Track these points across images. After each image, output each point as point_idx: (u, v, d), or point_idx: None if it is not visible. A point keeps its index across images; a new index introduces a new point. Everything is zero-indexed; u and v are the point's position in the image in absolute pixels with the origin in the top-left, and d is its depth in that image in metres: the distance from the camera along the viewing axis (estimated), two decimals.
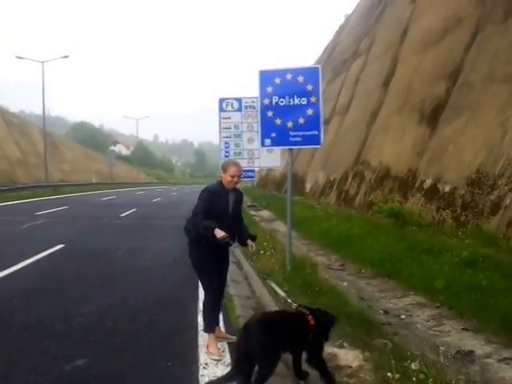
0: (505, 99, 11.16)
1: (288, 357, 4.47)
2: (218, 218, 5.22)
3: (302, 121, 8.78)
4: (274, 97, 8.90)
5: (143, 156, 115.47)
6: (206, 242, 5.24)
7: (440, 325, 6.37)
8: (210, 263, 5.45)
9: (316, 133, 8.79)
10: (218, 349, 5.20)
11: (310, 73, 8.93)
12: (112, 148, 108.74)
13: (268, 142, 9.09)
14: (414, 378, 4.05)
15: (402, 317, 6.76)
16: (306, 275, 8.51)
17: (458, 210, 11.41)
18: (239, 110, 24.76)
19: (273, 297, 7.19)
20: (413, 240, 10.61)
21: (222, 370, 4.71)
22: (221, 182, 5.57)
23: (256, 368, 4.03)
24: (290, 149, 9.32)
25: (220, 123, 24.99)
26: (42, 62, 46.59)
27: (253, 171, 27.22)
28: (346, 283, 8.63)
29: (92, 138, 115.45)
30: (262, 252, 10.47)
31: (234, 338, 5.17)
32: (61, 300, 7.35)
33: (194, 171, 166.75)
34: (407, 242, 10.56)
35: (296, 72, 8.85)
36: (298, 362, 4.42)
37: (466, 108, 12.93)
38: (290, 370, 4.67)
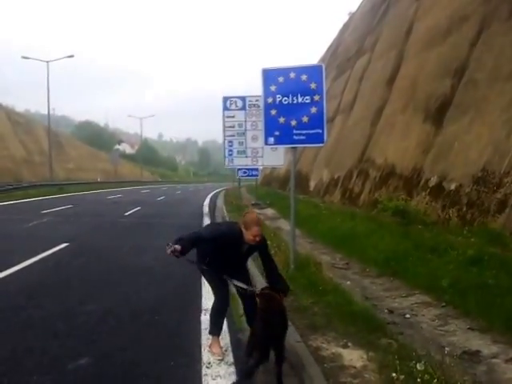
0: (510, 97, 11.10)
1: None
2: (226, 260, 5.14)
3: (305, 119, 8.73)
4: (277, 95, 8.87)
5: (147, 154, 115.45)
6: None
7: (445, 324, 6.31)
8: (215, 271, 5.25)
9: (320, 131, 8.75)
10: (221, 348, 5.17)
11: (314, 71, 8.88)
12: (117, 147, 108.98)
13: (271, 140, 9.06)
14: (418, 379, 3.99)
15: (407, 316, 6.71)
16: (310, 274, 8.49)
17: (464, 208, 11.35)
18: (243, 108, 24.81)
19: None
20: (418, 238, 10.56)
21: (225, 369, 4.71)
22: (241, 232, 5.02)
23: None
24: (294, 147, 9.27)
25: (224, 122, 25.04)
26: (47, 62, 46.48)
27: (256, 169, 27.28)
28: (349, 282, 8.58)
29: (97, 137, 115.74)
30: None
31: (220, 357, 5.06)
32: (64, 298, 7.34)
33: (198, 170, 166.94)
34: (412, 240, 10.51)
35: (299, 70, 8.81)
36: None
37: (471, 106, 12.87)
38: (293, 371, 4.67)
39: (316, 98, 8.66)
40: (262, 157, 25.25)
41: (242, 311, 5.68)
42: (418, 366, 4.26)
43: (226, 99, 25.05)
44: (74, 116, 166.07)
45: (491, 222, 10.03)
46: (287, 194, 32.20)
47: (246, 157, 25.36)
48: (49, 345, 5.34)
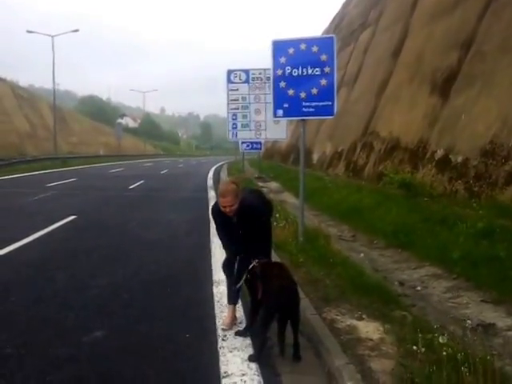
0: None
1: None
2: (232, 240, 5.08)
3: (315, 91, 8.62)
4: (287, 67, 8.74)
5: (150, 128, 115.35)
6: None
7: (458, 297, 6.26)
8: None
9: (330, 103, 8.64)
10: (233, 319, 5.17)
11: (325, 42, 8.75)
12: (119, 120, 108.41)
13: (280, 112, 8.96)
14: (444, 352, 3.93)
15: (418, 288, 6.68)
16: (319, 246, 8.47)
17: (471, 181, 11.29)
18: (247, 81, 24.70)
19: None
20: (426, 211, 10.51)
21: (240, 341, 4.70)
22: None
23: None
24: (303, 119, 9.18)
25: (228, 95, 24.94)
26: (52, 37, 46.04)
27: (259, 143, 27.19)
28: (362, 254, 8.56)
29: (100, 111, 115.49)
30: (274, 223, 10.41)
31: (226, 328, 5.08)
32: (75, 272, 7.34)
33: (200, 143, 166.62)
34: (420, 212, 10.47)
35: (310, 42, 8.67)
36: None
37: (478, 78, 12.72)
38: (310, 343, 4.67)
39: (326, 69, 8.54)
40: (265, 130, 25.16)
41: None
42: (441, 339, 4.21)
43: (230, 72, 24.91)
44: (77, 91, 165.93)
45: (499, 194, 9.96)
46: (290, 167, 32.31)
47: (250, 130, 25.27)
48: (63, 317, 5.33)
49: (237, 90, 24.89)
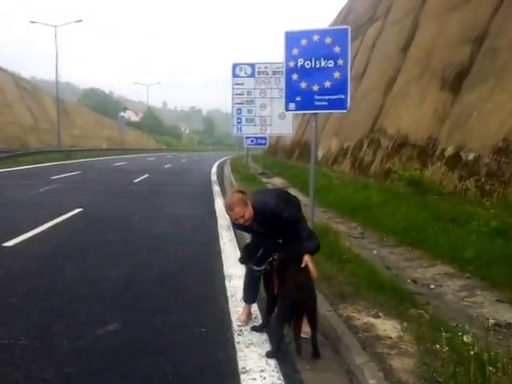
0: None
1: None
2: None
3: (328, 84, 8.48)
4: (299, 59, 8.57)
5: (152, 123, 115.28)
6: None
7: (472, 296, 6.16)
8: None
9: (343, 97, 8.50)
10: (249, 315, 5.07)
11: (339, 34, 8.57)
12: (122, 114, 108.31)
13: (292, 106, 8.83)
14: (471, 352, 3.77)
15: (432, 287, 6.58)
16: (329, 243, 8.36)
17: (483, 179, 11.17)
18: (252, 75, 24.51)
19: None
20: (436, 209, 10.41)
21: (257, 336, 4.61)
22: None
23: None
24: (315, 113, 9.06)
25: (233, 89, 24.76)
26: (55, 27, 45.80)
27: (265, 138, 27.05)
28: (375, 252, 8.45)
29: (102, 105, 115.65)
30: None
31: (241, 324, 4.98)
32: (85, 264, 7.25)
33: (203, 139, 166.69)
34: (431, 210, 10.36)
35: (323, 33, 8.53)
36: None
37: (491, 74, 12.58)
38: (328, 340, 4.58)
39: (340, 62, 8.39)
40: (270, 125, 25.02)
41: None
42: (465, 338, 4.11)
43: (235, 66, 24.72)
44: (79, 83, 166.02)
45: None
46: (294, 163, 32.22)
47: (255, 125, 25.11)
48: (76, 310, 5.24)
49: (242, 84, 24.71)
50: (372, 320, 5.04)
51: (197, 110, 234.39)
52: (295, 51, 8.60)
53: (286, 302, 4.34)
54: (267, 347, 4.38)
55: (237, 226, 4.91)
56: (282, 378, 3.87)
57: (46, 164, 31.76)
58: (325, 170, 23.88)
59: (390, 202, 12.00)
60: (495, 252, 7.17)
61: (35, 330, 4.68)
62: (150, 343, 4.44)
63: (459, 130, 13.14)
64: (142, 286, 6.21)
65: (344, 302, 5.56)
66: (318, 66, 8.49)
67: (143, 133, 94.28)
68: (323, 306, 5.21)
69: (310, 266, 4.42)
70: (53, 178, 21.41)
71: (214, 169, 32.96)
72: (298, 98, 8.71)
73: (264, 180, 22.66)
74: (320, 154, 28.64)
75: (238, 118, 25.17)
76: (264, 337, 4.61)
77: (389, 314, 5.17)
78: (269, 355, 4.20)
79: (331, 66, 8.42)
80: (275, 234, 4.70)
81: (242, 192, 4.59)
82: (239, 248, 8.34)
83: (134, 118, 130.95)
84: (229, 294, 5.85)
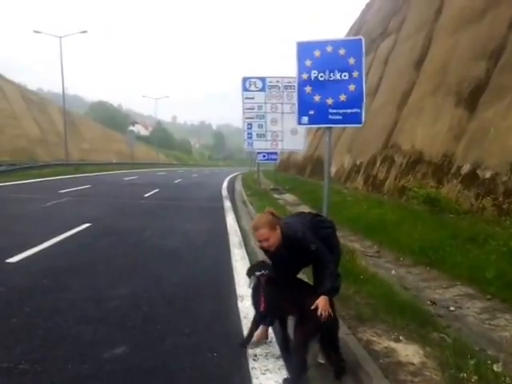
0: None
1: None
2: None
3: (342, 98, 8.30)
4: (312, 71, 8.39)
5: (162, 137, 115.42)
6: None
7: (494, 318, 5.89)
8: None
9: (358, 111, 8.33)
10: (266, 334, 4.83)
11: (353, 45, 8.40)
12: (131, 128, 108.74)
13: (305, 119, 8.63)
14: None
15: (452, 309, 6.30)
16: (344, 262, 8.10)
17: (500, 198, 10.93)
18: (263, 89, 24.48)
19: None
20: (453, 227, 10.16)
21: (272, 362, 4.36)
22: None
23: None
24: (329, 127, 8.84)
25: (243, 103, 24.67)
26: (60, 37, 45.76)
27: (276, 153, 27.04)
28: (393, 272, 8.17)
29: (111, 118, 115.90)
30: None
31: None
32: (92, 281, 7.01)
33: (213, 153, 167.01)
34: (448, 229, 10.10)
35: (337, 44, 8.34)
36: None
37: (508, 90, 12.37)
38: (347, 366, 4.33)
39: (355, 74, 8.21)
40: (281, 140, 24.97)
41: None
42: (495, 368, 3.84)
43: (245, 80, 24.68)
44: (86, 96, 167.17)
45: None
46: (306, 179, 32.02)
47: (266, 140, 25.08)
48: (81, 331, 4.99)
49: (252, 98, 24.67)
50: (393, 344, 4.79)
51: (207, 124, 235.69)
52: (308, 63, 8.43)
53: (310, 325, 4.10)
54: (284, 374, 4.13)
55: (263, 249, 4.53)
56: None
57: (54, 177, 31.69)
58: (338, 186, 23.64)
59: (406, 220, 11.74)
60: None
61: (37, 352, 4.43)
62: (159, 368, 4.19)
63: (476, 147, 12.91)
64: (152, 305, 5.95)
65: (363, 324, 5.31)
66: (332, 79, 8.34)
67: (153, 147, 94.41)
68: (341, 329, 4.96)
69: (321, 308, 4.09)
70: (62, 191, 21.28)
71: (225, 184, 32.81)
72: (312, 112, 8.53)
73: (276, 196, 22.44)
74: (333, 170, 28.41)
75: (248, 133, 25.14)
76: (280, 363, 4.36)
77: (410, 338, 4.93)
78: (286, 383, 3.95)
79: (346, 78, 8.26)
80: (298, 264, 4.48)
81: (273, 214, 4.32)
82: None
83: (143, 131, 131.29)
84: (242, 315, 5.57)
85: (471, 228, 9.86)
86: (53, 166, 41.84)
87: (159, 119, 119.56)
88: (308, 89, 8.50)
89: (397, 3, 27.17)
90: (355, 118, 8.46)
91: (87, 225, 11.97)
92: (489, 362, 4.06)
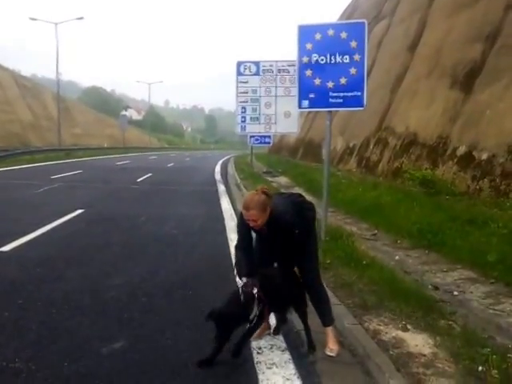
0: None
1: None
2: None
3: (343, 81, 8.18)
4: (313, 54, 8.28)
5: (154, 121, 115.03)
6: None
7: (499, 303, 5.76)
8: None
9: (359, 94, 8.24)
10: (269, 327, 4.67)
11: (355, 28, 8.29)
12: (123, 112, 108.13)
13: (306, 103, 8.49)
14: None
15: (455, 293, 6.17)
16: (344, 246, 8.02)
17: (497, 179, 10.84)
18: (257, 73, 24.42)
19: None
20: (451, 210, 10.09)
21: (278, 355, 4.19)
22: None
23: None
24: (329, 111, 8.69)
25: (237, 87, 24.58)
26: (56, 24, 45.48)
27: (269, 137, 26.99)
28: (397, 257, 8.01)
29: (104, 103, 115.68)
30: None
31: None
32: (87, 270, 6.82)
33: (205, 137, 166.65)
34: (445, 211, 10.03)
35: (339, 27, 8.24)
36: None
37: (505, 71, 12.26)
38: (356, 358, 4.20)
39: (356, 57, 8.09)
40: (275, 123, 24.88)
41: None
42: None
43: (239, 64, 24.61)
44: (80, 81, 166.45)
45: None
46: (298, 161, 31.94)
47: (259, 123, 25.02)
48: (77, 325, 4.79)
49: (246, 82, 24.62)
50: (401, 334, 4.65)
51: (199, 108, 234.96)
52: (309, 46, 8.29)
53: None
54: (291, 368, 3.97)
55: (240, 225, 4.45)
56: None
57: (46, 163, 31.42)
58: (330, 169, 23.53)
59: (402, 202, 11.66)
60: None
61: (31, 349, 4.22)
62: (161, 364, 4.01)
63: (472, 129, 12.81)
64: (149, 295, 5.77)
65: (368, 313, 5.17)
66: (332, 62, 8.23)
67: (145, 131, 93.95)
68: (347, 319, 4.84)
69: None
70: (54, 177, 21.07)
71: (218, 168, 32.63)
72: (312, 95, 8.41)
73: (269, 179, 22.31)
74: (325, 152, 28.29)
75: (242, 117, 25.07)
76: (286, 355, 4.20)
77: (417, 327, 4.80)
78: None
79: (347, 61, 8.16)
80: (281, 244, 4.27)
81: (266, 194, 4.13)
82: None
83: (136, 116, 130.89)
84: None
85: (469, 210, 9.79)
86: (45, 151, 41.55)
87: (152, 103, 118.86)
88: (308, 72, 8.40)
89: None
90: (356, 101, 8.38)
91: (80, 211, 11.81)
92: (509, 355, 3.91)
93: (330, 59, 8.19)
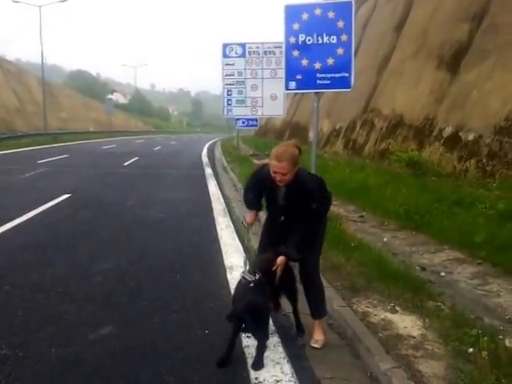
0: None
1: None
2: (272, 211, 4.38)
3: (330, 61, 8.13)
4: (300, 35, 8.19)
5: (140, 105, 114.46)
6: None
7: (486, 284, 5.80)
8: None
9: (346, 75, 8.20)
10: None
11: (342, 7, 8.19)
12: (109, 96, 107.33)
13: (293, 84, 8.42)
14: None
15: (442, 274, 6.19)
16: (331, 228, 7.97)
17: (484, 160, 10.87)
18: (243, 55, 24.15)
19: None
20: (438, 191, 10.12)
21: (269, 341, 4.16)
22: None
23: None
24: (316, 92, 8.64)
25: (223, 70, 24.37)
26: (40, 7, 44.83)
27: (256, 120, 26.89)
28: (385, 239, 8.01)
29: (89, 87, 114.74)
30: None
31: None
32: (74, 256, 6.76)
33: (191, 120, 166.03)
34: (432, 192, 10.06)
35: (326, 7, 8.13)
36: None
37: (492, 52, 12.23)
38: (344, 341, 4.21)
39: (343, 37, 8.03)
40: (261, 106, 24.72)
41: None
42: (508, 343, 3.70)
43: (225, 46, 24.35)
44: (65, 65, 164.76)
45: None
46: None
47: (246, 106, 24.84)
48: (65, 310, 4.74)
49: (232, 64, 24.37)
50: (389, 316, 4.66)
51: (185, 91, 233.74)
52: (296, 26, 8.20)
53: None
54: (280, 351, 3.97)
55: (258, 181, 4.33)
56: None
57: (32, 147, 31.10)
58: (317, 151, 23.47)
59: (389, 183, 11.67)
60: (506, 236, 6.84)
61: (18, 336, 4.18)
62: (150, 350, 3.97)
63: (458, 110, 12.81)
64: (137, 279, 5.73)
65: (357, 295, 5.18)
66: (320, 42, 8.16)
67: (131, 115, 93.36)
68: (336, 301, 4.84)
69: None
70: (40, 161, 20.90)
71: (205, 151, 32.53)
72: (299, 76, 8.35)
73: (256, 162, 22.24)
74: (312, 134, 28.23)
75: (228, 100, 24.89)
76: (276, 339, 4.19)
77: (406, 308, 4.82)
78: None
79: (334, 41, 8.09)
80: (291, 208, 4.12)
81: (298, 149, 3.96)
82: (237, 235, 8.01)
83: (122, 100, 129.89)
84: (231, 287, 5.32)
85: (456, 191, 9.82)
86: (31, 135, 41.19)
87: (138, 87, 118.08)
88: (295, 53, 8.33)
89: None
90: (344, 83, 8.34)
91: (67, 195, 11.72)
92: (500, 336, 3.91)
93: (317, 39, 8.11)
